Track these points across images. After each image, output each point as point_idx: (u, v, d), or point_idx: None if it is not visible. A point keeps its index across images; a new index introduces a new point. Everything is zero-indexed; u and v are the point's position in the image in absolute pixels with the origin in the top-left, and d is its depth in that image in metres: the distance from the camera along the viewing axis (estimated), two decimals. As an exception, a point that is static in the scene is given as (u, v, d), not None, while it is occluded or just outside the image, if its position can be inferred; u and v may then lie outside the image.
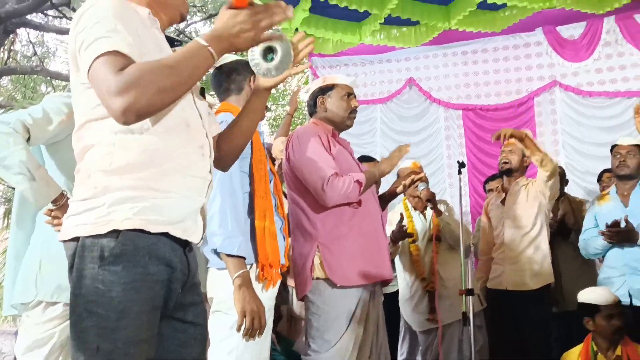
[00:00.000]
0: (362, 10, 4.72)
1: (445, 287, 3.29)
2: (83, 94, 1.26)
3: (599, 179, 4.15)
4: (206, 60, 1.21)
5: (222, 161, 1.59)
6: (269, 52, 1.35)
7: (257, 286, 1.91)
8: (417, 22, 5.06)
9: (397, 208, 3.61)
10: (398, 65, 5.80)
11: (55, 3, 7.99)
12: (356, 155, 3.98)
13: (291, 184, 2.44)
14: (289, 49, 1.35)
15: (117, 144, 1.23)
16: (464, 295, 2.96)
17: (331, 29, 5.18)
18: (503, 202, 3.47)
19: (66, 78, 8.60)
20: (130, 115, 1.14)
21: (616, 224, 3.09)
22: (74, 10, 7.97)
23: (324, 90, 2.57)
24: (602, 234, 3.15)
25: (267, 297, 1.94)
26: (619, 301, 2.93)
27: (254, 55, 1.36)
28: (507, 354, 3.27)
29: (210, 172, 1.39)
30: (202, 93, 1.56)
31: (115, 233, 1.20)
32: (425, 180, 3.30)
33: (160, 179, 1.25)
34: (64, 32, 8.92)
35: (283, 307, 3.43)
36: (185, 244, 1.32)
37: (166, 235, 1.26)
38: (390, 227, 3.40)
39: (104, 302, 1.18)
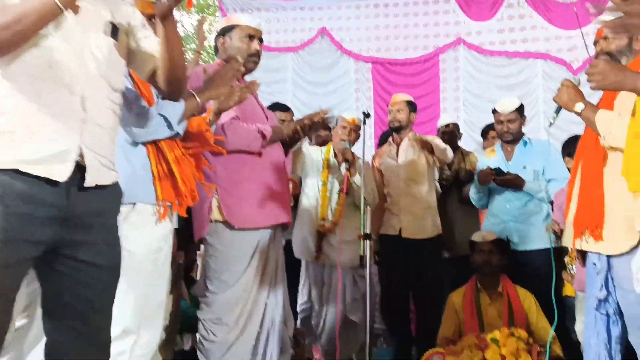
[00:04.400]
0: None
1: (344, 233, 3.37)
2: None
3: (484, 134, 4.38)
4: (45, 4, 1.26)
5: (169, 91, 1.63)
6: None
7: (151, 220, 1.86)
8: (331, -30, 5.01)
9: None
10: (311, 13, 5.74)
11: None
12: (268, 104, 3.97)
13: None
14: None
15: None
16: (362, 239, 3.08)
17: (242, -30, 5.01)
18: (397, 154, 3.61)
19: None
20: None
21: (498, 171, 3.33)
22: None
23: (225, 30, 2.48)
24: (494, 180, 3.36)
25: (156, 237, 1.90)
26: (493, 240, 3.21)
27: None
28: (400, 296, 3.50)
29: (84, 110, 1.37)
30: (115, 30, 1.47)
31: None
32: (352, 140, 3.36)
33: (18, 121, 1.28)
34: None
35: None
36: (71, 183, 1.33)
37: (19, 172, 1.27)
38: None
39: None
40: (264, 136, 2.34)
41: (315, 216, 3.40)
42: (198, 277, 3.09)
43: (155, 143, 1.88)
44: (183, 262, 2.55)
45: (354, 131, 3.43)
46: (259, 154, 2.37)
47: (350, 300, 3.25)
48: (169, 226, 1.94)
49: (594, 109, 1.97)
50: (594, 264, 2.14)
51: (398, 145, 3.63)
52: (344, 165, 3.38)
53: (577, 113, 1.98)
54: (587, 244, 2.09)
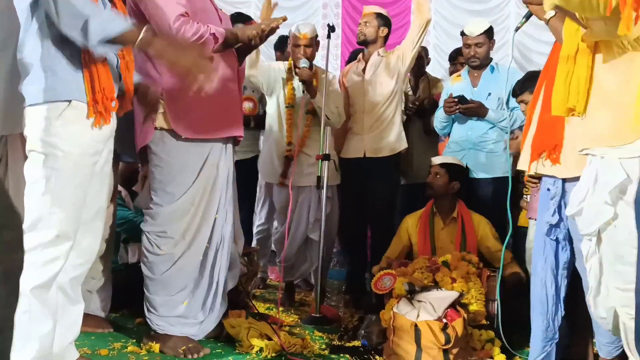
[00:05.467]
0: None
1: (307, 155, 3.28)
2: None
3: (452, 59, 4.24)
4: None
5: None
6: None
7: (88, 120, 1.72)
8: None
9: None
10: None
11: None
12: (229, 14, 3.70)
13: (135, 20, 2.15)
14: None
15: None
16: (320, 160, 3.00)
17: None
18: (363, 71, 3.46)
19: None
20: None
21: (462, 98, 3.25)
22: None
23: None
24: (457, 110, 3.29)
25: (94, 138, 1.76)
26: (441, 163, 3.18)
27: None
28: (357, 217, 3.46)
29: None
30: None
31: None
32: (309, 56, 3.14)
33: None
34: None
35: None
36: None
37: None
38: None
39: None
40: (216, 39, 2.15)
41: (281, 138, 3.26)
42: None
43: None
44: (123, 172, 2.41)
45: (308, 47, 3.19)
46: (210, 59, 2.19)
47: (312, 220, 3.22)
48: (109, 129, 1.80)
49: (563, 18, 1.86)
50: (548, 189, 2.12)
51: (366, 62, 3.46)
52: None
53: (545, 21, 1.89)
54: (543, 167, 2.05)
